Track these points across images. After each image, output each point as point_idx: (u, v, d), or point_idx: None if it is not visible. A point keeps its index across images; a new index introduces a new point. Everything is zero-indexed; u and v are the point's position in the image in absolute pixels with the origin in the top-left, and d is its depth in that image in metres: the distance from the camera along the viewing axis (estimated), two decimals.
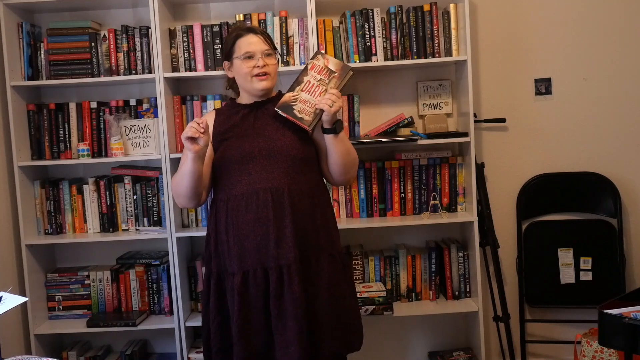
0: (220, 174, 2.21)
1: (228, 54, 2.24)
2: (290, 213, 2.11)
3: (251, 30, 2.21)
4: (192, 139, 2.04)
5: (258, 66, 2.16)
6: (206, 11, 3.11)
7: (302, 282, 2.11)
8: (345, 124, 2.98)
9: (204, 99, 2.99)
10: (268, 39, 2.22)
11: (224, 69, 2.29)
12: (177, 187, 2.18)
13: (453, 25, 2.91)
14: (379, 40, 2.92)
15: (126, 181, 3.02)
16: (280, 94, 2.30)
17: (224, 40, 2.32)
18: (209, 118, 2.27)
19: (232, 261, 2.15)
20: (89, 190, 3.02)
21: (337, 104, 2.07)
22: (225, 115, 2.27)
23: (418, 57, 2.93)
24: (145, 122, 2.97)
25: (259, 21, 2.91)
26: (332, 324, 2.17)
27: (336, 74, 2.09)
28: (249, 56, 2.17)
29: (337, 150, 2.15)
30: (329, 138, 2.13)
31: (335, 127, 2.11)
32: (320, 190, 2.25)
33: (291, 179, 2.13)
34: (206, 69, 2.93)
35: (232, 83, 2.32)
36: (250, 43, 2.18)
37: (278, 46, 2.89)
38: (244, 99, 2.28)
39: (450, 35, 2.93)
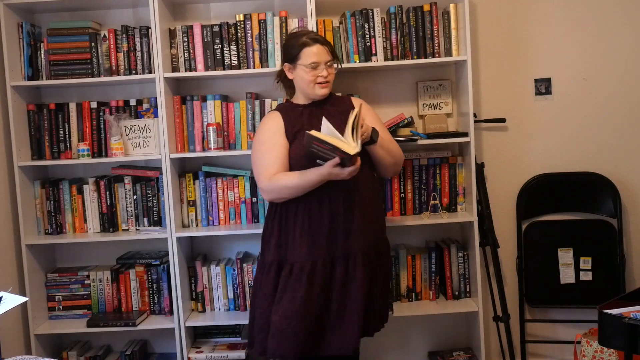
0: (292, 168, 2.35)
1: (292, 58, 2.39)
2: (358, 205, 2.31)
3: (318, 40, 2.36)
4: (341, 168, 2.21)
5: (322, 76, 2.35)
6: (206, 11, 3.11)
7: (366, 268, 2.31)
8: None
9: (204, 99, 3.00)
10: (331, 49, 2.40)
11: (284, 69, 2.45)
12: (290, 194, 2.30)
13: (453, 25, 2.91)
14: (379, 40, 2.92)
15: (126, 181, 3.03)
16: (332, 94, 2.49)
17: (286, 42, 2.46)
18: (276, 118, 2.42)
19: (298, 251, 2.29)
20: (89, 190, 3.02)
21: (364, 129, 2.28)
22: (289, 114, 2.42)
23: (418, 57, 2.93)
24: (145, 122, 2.97)
25: (259, 21, 2.91)
26: (382, 305, 2.46)
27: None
28: (314, 66, 2.34)
29: (378, 155, 2.38)
30: (370, 148, 2.35)
31: (372, 138, 2.31)
32: (376, 180, 2.47)
33: (358, 173, 2.24)
34: (206, 69, 2.93)
35: (284, 79, 2.51)
36: (316, 54, 2.34)
37: (278, 46, 2.90)
38: (300, 99, 2.46)
39: (450, 35, 2.93)
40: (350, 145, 2.15)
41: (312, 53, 2.34)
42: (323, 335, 2.30)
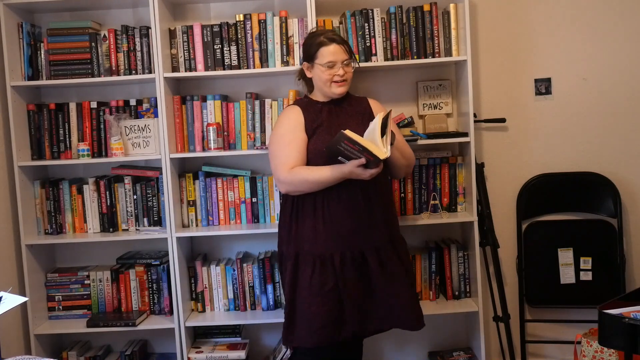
0: (309, 163, 2.39)
1: (310, 58, 2.44)
2: (376, 202, 2.39)
3: (334, 40, 2.41)
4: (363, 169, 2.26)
5: (338, 74, 2.40)
6: (206, 11, 3.11)
7: (396, 259, 2.43)
8: None
9: (204, 99, 3.00)
10: (348, 48, 2.43)
11: (303, 68, 2.50)
12: (309, 188, 2.35)
13: (453, 25, 2.91)
14: (379, 40, 2.92)
15: (126, 181, 3.02)
16: (349, 93, 2.53)
17: (305, 42, 2.52)
18: (297, 112, 2.46)
19: (323, 243, 2.35)
20: (89, 190, 3.02)
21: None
22: (309, 110, 2.46)
23: (418, 57, 2.93)
24: (145, 122, 2.97)
25: (259, 21, 2.91)
26: (413, 299, 2.50)
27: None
28: (331, 65, 2.39)
29: (394, 157, 2.38)
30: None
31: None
32: (388, 180, 2.55)
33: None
34: (206, 69, 2.93)
35: (305, 77, 2.54)
36: (333, 53, 2.39)
37: (278, 46, 2.90)
38: (319, 97, 2.51)
39: (450, 35, 2.92)
40: (381, 150, 2.19)
41: (329, 52, 2.39)
42: (374, 320, 2.42)
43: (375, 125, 2.23)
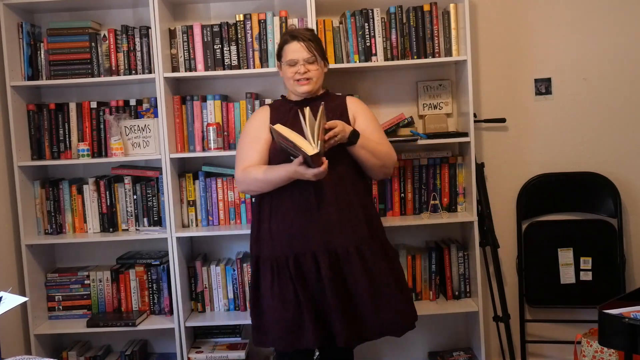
0: (270, 163, 2.37)
1: (278, 56, 2.45)
2: (335, 202, 2.28)
3: (296, 37, 2.37)
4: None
5: (299, 72, 2.35)
6: (206, 11, 3.11)
7: (353, 266, 2.27)
8: None
9: (204, 99, 3.00)
10: (312, 46, 2.37)
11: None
12: (260, 187, 2.32)
13: (453, 25, 2.91)
14: (379, 40, 2.92)
15: (126, 181, 3.03)
16: (327, 92, 2.50)
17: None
18: (264, 113, 2.46)
19: (279, 246, 2.29)
20: (89, 190, 3.02)
21: (338, 130, 2.24)
22: (279, 110, 2.45)
23: (418, 57, 2.93)
24: (145, 122, 2.97)
25: (259, 21, 2.91)
26: (392, 306, 2.32)
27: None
28: (292, 63, 2.37)
29: (360, 156, 2.33)
30: (350, 149, 2.32)
31: (350, 140, 2.28)
32: (362, 179, 2.42)
33: (333, 169, 2.23)
34: (206, 69, 2.93)
35: None
36: (294, 51, 2.36)
37: (277, 46, 2.90)
38: (292, 96, 2.48)
39: (450, 35, 2.92)
40: (309, 145, 2.10)
41: (290, 50, 2.37)
42: (332, 329, 2.28)
43: (302, 121, 2.15)
